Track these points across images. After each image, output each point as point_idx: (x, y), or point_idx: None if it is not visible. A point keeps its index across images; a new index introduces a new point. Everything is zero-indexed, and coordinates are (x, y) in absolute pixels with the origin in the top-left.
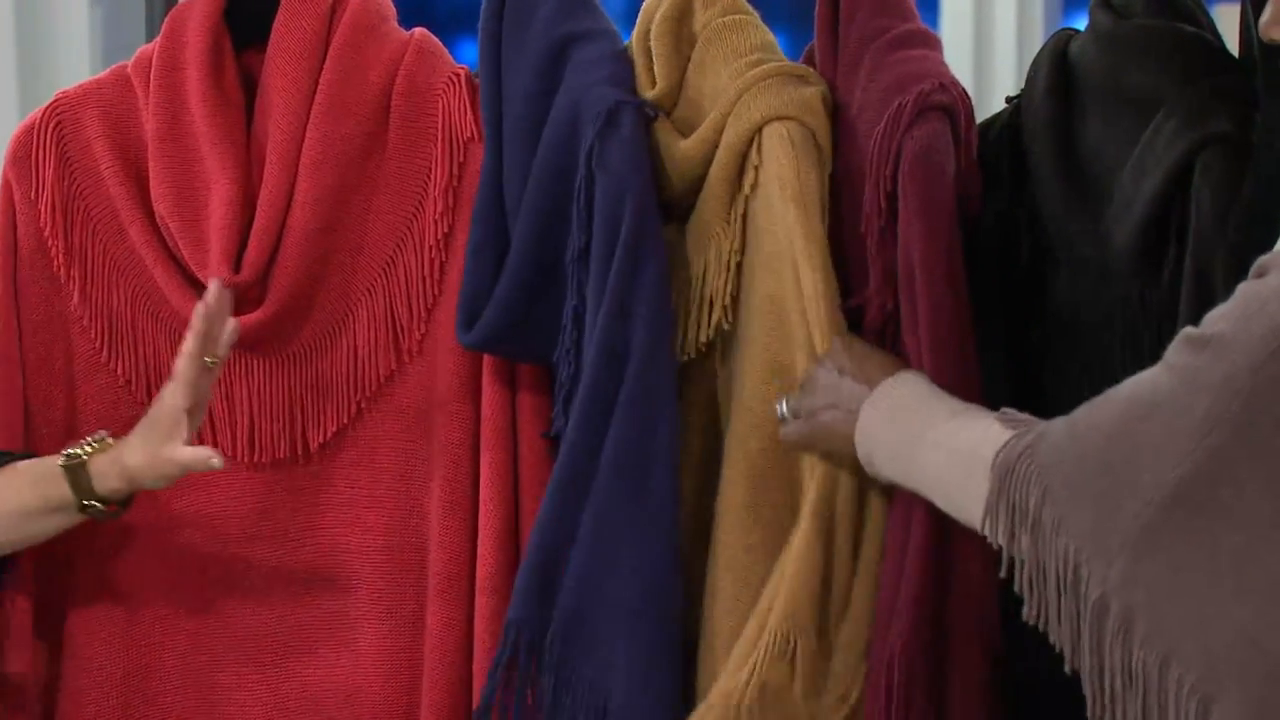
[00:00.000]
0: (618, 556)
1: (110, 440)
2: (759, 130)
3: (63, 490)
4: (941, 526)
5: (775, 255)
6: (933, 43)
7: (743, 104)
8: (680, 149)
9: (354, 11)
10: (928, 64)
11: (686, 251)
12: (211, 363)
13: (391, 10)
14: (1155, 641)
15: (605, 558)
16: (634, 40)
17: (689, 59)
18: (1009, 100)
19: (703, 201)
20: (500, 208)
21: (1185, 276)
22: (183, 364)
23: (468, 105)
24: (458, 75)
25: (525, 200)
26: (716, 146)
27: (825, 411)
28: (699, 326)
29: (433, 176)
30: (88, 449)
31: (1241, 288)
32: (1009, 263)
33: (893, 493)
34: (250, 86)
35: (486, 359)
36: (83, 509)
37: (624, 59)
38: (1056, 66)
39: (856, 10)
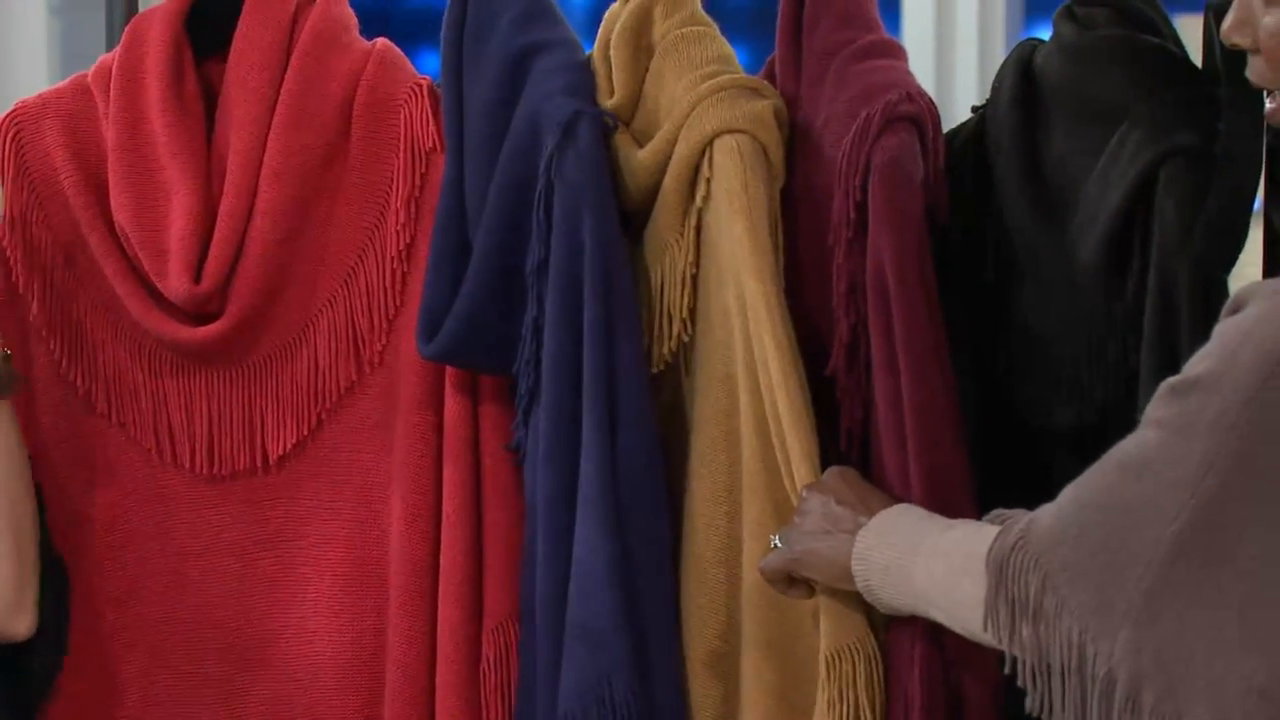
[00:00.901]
0: (650, 580)
1: None
2: (710, 143)
3: None
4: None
5: (727, 268)
6: (898, 53)
7: (695, 116)
8: (636, 159)
9: (315, 21)
10: (894, 74)
11: (645, 263)
12: None
13: (353, 20)
14: (1164, 708)
15: (639, 583)
16: (596, 49)
17: (647, 69)
18: (975, 110)
19: (657, 213)
20: (462, 219)
21: (1150, 289)
22: None
23: (429, 116)
24: (419, 86)
25: (486, 211)
26: (670, 158)
27: (818, 538)
28: (662, 340)
29: (395, 187)
30: None
31: (1219, 326)
32: (975, 274)
33: None
34: (211, 96)
35: (448, 370)
36: None
37: (584, 68)
38: (1021, 77)
39: (819, 21)
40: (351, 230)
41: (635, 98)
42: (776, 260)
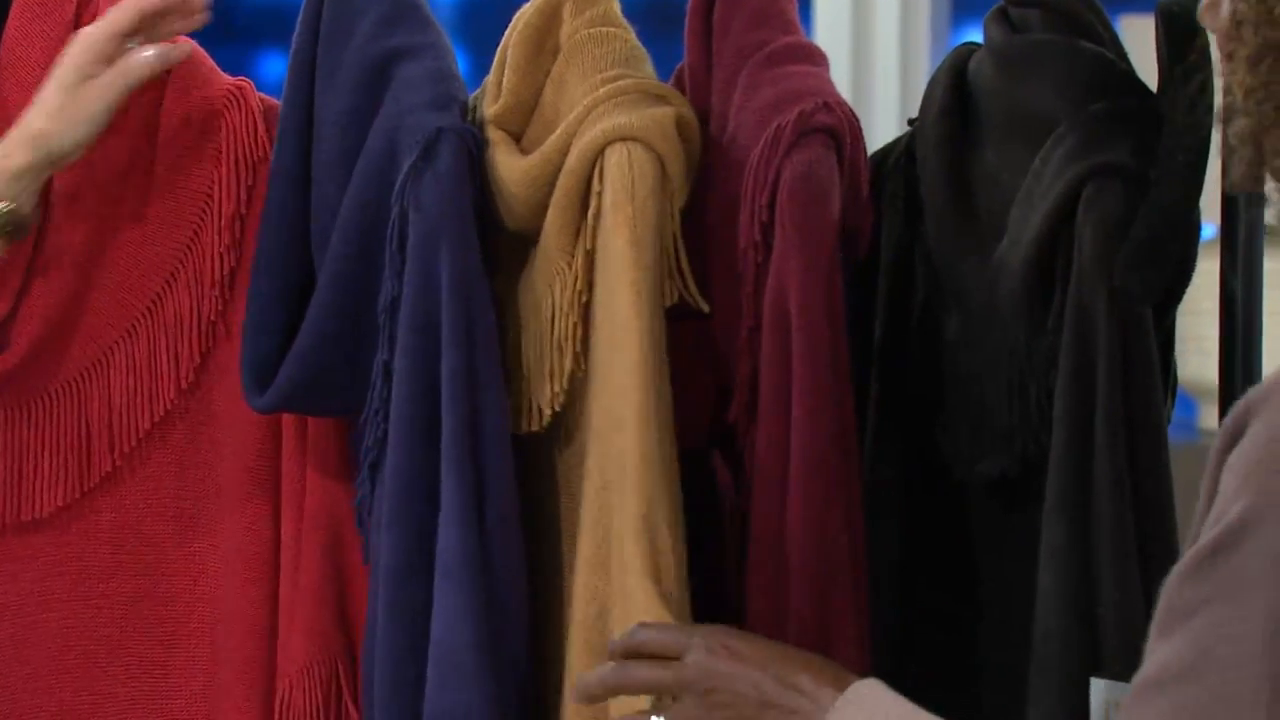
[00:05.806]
0: (516, 664)
1: None
2: (601, 152)
3: None
4: None
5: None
6: (817, 58)
7: (589, 123)
8: (521, 168)
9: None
10: (810, 81)
11: (534, 291)
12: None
13: None
14: None
15: (507, 668)
16: (500, 52)
17: (549, 73)
18: (911, 124)
19: (545, 235)
20: (297, 253)
21: (1065, 324)
22: None
23: (257, 122)
24: (240, 88)
25: (334, 238)
26: (561, 169)
27: None
28: (554, 377)
29: (215, 203)
30: None
31: (1231, 461)
32: (906, 305)
33: None
34: None
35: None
36: None
37: (454, 78)
38: (953, 85)
39: (731, 23)
40: (158, 251)
41: (529, 105)
42: (661, 283)
